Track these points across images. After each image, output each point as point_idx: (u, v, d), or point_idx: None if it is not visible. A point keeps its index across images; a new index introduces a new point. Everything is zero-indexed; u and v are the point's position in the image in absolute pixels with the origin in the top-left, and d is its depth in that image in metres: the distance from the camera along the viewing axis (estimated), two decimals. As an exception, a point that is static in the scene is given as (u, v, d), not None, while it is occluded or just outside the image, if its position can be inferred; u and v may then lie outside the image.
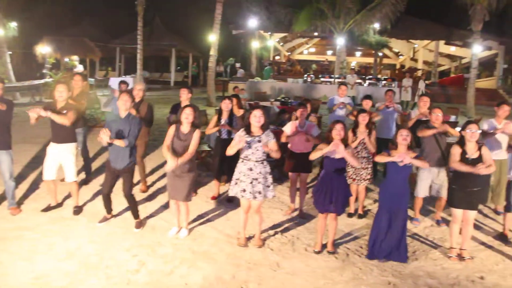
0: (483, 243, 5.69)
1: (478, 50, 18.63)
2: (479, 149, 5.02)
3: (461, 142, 5.09)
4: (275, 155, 4.99)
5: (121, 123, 5.30)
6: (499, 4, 17.36)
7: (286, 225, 6.01)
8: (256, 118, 4.95)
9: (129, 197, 5.57)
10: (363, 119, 6.09)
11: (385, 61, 37.49)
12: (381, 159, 5.00)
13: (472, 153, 5.02)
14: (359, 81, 20.17)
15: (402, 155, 4.74)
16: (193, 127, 5.22)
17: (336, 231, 5.35)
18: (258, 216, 5.28)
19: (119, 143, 5.16)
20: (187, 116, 5.17)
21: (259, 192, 5.02)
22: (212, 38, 17.41)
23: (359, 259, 5.08)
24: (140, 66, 20.16)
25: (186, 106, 5.38)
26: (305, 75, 21.27)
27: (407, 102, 17.48)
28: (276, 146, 5.00)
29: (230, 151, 5.00)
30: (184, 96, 6.67)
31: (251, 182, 4.99)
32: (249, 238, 5.41)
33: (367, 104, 7.04)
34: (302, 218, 6.22)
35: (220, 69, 26.32)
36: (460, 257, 5.18)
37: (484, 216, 6.61)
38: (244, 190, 5.02)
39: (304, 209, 6.39)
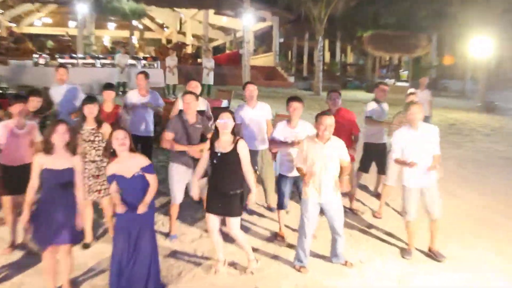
0: (257, 249, 6.17)
1: (250, 21, 20.61)
2: (236, 142, 5.24)
3: (216, 134, 5.28)
4: None
5: None
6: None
7: (6, 269, 5.50)
8: None
9: None
10: (90, 111, 5.84)
11: (148, 35, 38.56)
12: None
13: (225, 147, 5.23)
14: (133, 62, 19.97)
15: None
16: None
17: (74, 266, 5.16)
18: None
19: None
20: None
21: None
22: None
23: (108, 297, 4.99)
24: None
25: None
26: (36, 55, 19.88)
27: (173, 85, 18.09)
28: None
29: None
30: None
31: None
32: None
33: (108, 95, 6.95)
34: (31, 253, 5.80)
35: None
36: (245, 269, 5.57)
37: (259, 217, 7.30)
38: None
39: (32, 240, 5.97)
